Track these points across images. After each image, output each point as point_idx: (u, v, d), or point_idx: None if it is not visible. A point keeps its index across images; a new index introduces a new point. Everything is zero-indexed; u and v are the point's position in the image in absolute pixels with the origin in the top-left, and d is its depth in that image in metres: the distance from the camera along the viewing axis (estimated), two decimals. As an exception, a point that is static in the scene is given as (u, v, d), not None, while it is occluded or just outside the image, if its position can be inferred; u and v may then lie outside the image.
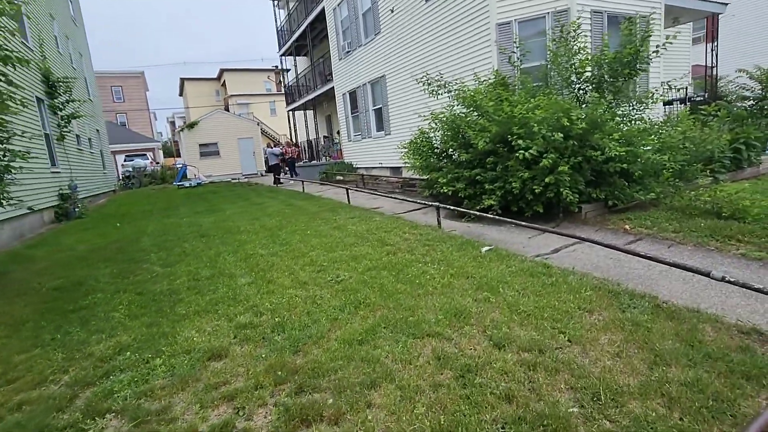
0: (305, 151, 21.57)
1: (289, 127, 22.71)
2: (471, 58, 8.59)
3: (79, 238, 7.14)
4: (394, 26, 11.27)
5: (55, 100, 10.78)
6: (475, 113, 6.59)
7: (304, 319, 3.13)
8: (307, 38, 17.61)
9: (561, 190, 5.17)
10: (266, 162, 17.53)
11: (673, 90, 6.38)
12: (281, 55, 22.02)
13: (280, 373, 2.44)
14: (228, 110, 47.72)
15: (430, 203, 6.21)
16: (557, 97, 5.24)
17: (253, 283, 3.99)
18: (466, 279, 3.64)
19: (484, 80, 7.18)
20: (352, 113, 14.87)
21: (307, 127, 20.64)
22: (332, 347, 2.68)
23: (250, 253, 5.16)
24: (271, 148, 17.01)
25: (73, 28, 15.75)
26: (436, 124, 7.08)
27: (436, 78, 7.41)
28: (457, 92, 6.88)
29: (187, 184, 17.41)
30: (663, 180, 5.65)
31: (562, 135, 5.03)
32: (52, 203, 9.74)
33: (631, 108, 6.28)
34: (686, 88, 10.28)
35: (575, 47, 5.95)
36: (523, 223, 4.42)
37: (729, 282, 2.70)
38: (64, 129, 11.10)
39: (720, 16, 17.64)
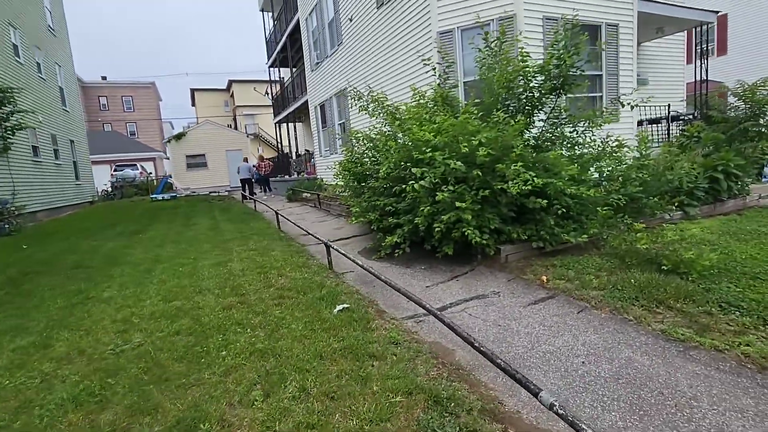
0: (293, 164, 20.96)
1: (277, 140, 22.24)
2: (416, 70, 7.74)
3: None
4: (353, 36, 10.54)
5: (-1, 111, 10.38)
6: (400, 133, 5.72)
7: (-5, 422, 2.27)
8: (287, 50, 17.11)
9: (464, 229, 4.22)
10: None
11: (626, 105, 5.35)
12: (269, 67, 21.62)
13: None
14: (236, 121, 47.93)
15: (321, 242, 5.31)
16: (464, 117, 4.31)
17: (19, 349, 3.16)
18: (265, 360, 2.73)
19: (416, 95, 6.31)
20: (322, 128, 14.16)
21: (289, 140, 20.06)
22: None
23: (91, 296, 4.37)
24: (246, 162, 16.43)
25: (49, 38, 15.60)
26: (356, 142, 6.24)
27: (366, 92, 6.58)
28: (379, 108, 6.04)
29: (160, 197, 16.95)
30: (600, 217, 4.62)
31: (461, 163, 4.10)
32: (-22, 219, 9.25)
33: (572, 130, 5.29)
34: (668, 106, 9.15)
35: (503, 59, 5.01)
36: (383, 277, 3.48)
37: (558, 415, 1.73)
38: (9, 140, 10.67)
39: (729, 25, 16.39)
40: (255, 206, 11.40)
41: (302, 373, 2.53)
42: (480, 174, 4.13)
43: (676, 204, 5.96)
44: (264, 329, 3.20)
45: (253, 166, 16.32)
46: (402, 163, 4.51)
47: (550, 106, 5.07)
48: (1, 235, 9.43)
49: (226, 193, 19.51)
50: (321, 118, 14.10)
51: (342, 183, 6.72)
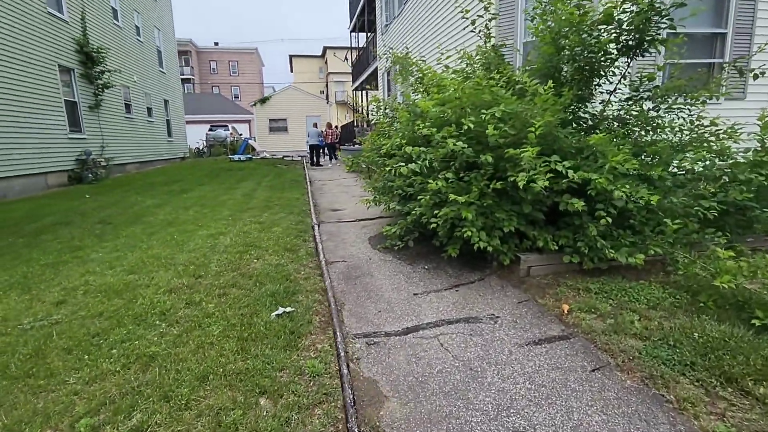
0: (358, 133, 20.59)
1: (353, 107, 21.96)
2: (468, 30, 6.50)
3: None
4: (419, -8, 9.38)
5: (93, 70, 11.38)
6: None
7: None
8: (365, 14, 16.34)
9: (464, 229, 3.28)
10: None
11: (752, 75, 3.71)
12: (351, 32, 21.09)
13: None
14: (327, 87, 48.95)
15: (314, 222, 4.70)
16: (478, 82, 3.25)
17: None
18: (143, 371, 2.25)
19: (458, 59, 5.25)
20: (388, 96, 13.32)
21: (361, 108, 19.57)
22: None
23: (79, 255, 4.37)
24: (315, 128, 16.36)
25: (149, 3, 16.79)
26: (378, 111, 5.44)
27: (404, 56, 5.71)
28: (408, 74, 5.12)
29: (236, 158, 17.80)
30: (669, 232, 3.29)
31: (465, 144, 3.12)
32: (67, 167, 10.36)
33: (654, 107, 3.86)
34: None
35: (555, 4, 3.71)
36: (327, 282, 2.73)
37: None
38: (99, 97, 11.73)
39: None
40: (306, 174, 11.22)
41: (160, 403, 1.98)
42: (491, 160, 3.11)
43: (812, 221, 4.18)
44: (180, 326, 2.72)
45: (321, 132, 16.22)
46: (398, 140, 3.63)
47: (621, 72, 3.69)
48: (83, 182, 10.51)
49: (299, 158, 19.88)
50: (386, 85, 13.28)
51: (366, 158, 6.00)
